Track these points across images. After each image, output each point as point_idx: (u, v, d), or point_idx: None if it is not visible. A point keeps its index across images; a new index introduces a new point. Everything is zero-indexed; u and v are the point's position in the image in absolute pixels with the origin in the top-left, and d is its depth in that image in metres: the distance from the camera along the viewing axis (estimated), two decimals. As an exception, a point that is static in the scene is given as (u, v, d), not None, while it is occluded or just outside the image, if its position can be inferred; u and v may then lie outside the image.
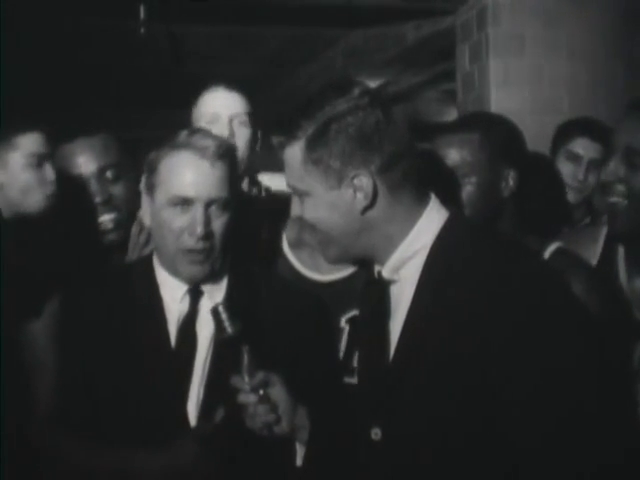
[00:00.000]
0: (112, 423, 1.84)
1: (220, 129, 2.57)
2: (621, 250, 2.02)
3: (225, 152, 1.88)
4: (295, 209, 1.68)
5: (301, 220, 1.70)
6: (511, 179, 2.08)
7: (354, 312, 2.07)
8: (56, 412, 1.92)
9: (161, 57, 6.17)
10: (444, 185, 1.71)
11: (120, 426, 1.83)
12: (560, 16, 4.36)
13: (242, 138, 2.60)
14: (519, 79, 4.33)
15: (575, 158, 3.10)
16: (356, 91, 1.60)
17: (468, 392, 1.48)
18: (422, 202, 1.62)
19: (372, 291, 1.71)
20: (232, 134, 2.57)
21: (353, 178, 1.56)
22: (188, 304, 1.91)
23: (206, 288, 1.92)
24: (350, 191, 1.57)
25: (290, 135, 1.61)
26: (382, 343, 1.62)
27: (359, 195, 1.57)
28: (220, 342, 1.78)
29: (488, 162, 2.06)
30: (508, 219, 2.11)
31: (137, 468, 1.80)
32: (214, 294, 1.91)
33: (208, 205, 1.84)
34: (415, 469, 1.55)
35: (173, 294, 1.91)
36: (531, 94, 4.31)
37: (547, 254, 2.05)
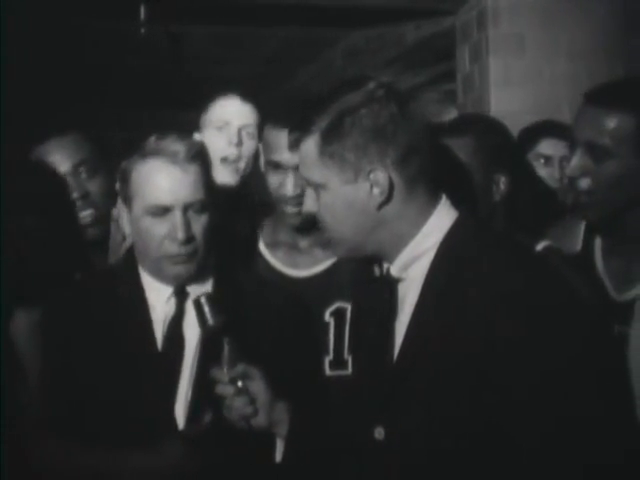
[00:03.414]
0: (100, 425, 1.84)
1: (229, 137, 2.64)
2: (598, 239, 2.04)
3: (196, 154, 1.87)
4: (307, 205, 1.67)
5: (309, 216, 1.69)
6: (502, 184, 2.09)
7: (337, 304, 2.09)
8: (44, 414, 1.91)
9: (161, 57, 6.17)
10: (454, 184, 1.70)
11: (108, 428, 1.83)
12: (560, 16, 4.36)
13: (249, 149, 2.64)
14: (519, 79, 4.33)
15: (546, 160, 3.12)
16: (371, 85, 1.59)
17: (473, 392, 1.48)
18: (434, 201, 1.62)
19: (378, 289, 1.70)
20: (240, 143, 2.63)
21: (369, 173, 1.56)
22: (174, 305, 1.91)
23: (191, 289, 1.91)
24: (367, 185, 1.57)
25: (304, 130, 1.60)
26: (387, 341, 1.62)
27: (375, 190, 1.56)
28: (201, 333, 1.78)
29: (480, 167, 2.06)
30: (499, 223, 2.11)
31: (125, 469, 1.80)
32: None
33: (186, 209, 1.84)
34: (418, 469, 1.55)
35: (158, 296, 1.91)
36: (531, 94, 4.31)
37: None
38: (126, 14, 4.60)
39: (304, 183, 1.71)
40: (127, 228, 1.94)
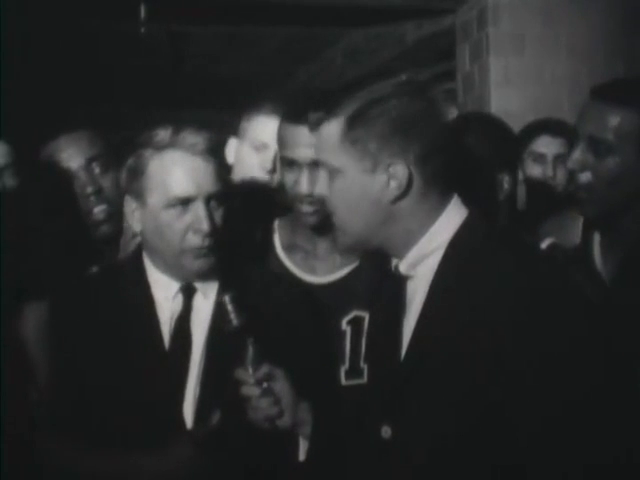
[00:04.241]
0: (107, 426, 1.83)
1: (264, 159, 2.60)
2: (597, 235, 2.03)
3: (214, 146, 1.86)
4: (320, 188, 1.65)
5: (322, 202, 1.67)
6: (506, 183, 2.08)
7: (355, 313, 2.06)
8: (51, 415, 1.91)
9: (161, 57, 6.17)
10: (467, 183, 1.70)
11: (116, 428, 1.82)
12: (560, 16, 4.36)
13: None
14: (519, 79, 4.33)
15: (540, 157, 3.13)
16: (403, 77, 1.58)
17: (480, 390, 1.48)
18: (446, 199, 1.61)
19: (387, 286, 1.69)
20: (274, 171, 2.57)
21: (389, 165, 1.54)
22: (181, 302, 1.89)
23: (199, 285, 1.89)
24: (384, 177, 1.55)
25: (329, 112, 1.58)
26: (395, 339, 1.62)
27: (393, 183, 1.55)
28: (225, 334, 1.75)
29: (483, 168, 2.05)
30: (504, 222, 2.10)
31: (133, 470, 1.79)
32: (207, 291, 1.89)
33: (208, 201, 1.82)
34: (424, 467, 1.55)
35: (165, 293, 1.89)
36: (531, 94, 4.31)
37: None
38: (126, 13, 4.60)
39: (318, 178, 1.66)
40: (136, 226, 1.90)
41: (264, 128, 2.62)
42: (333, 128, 1.57)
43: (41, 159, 2.33)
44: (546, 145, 3.14)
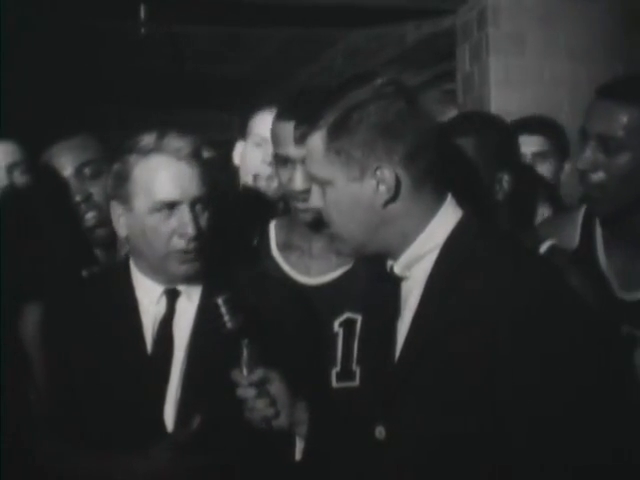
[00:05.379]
0: (90, 428, 1.84)
1: (264, 153, 2.62)
2: (599, 231, 2.02)
3: (198, 151, 1.87)
4: (314, 200, 1.66)
5: (317, 212, 1.68)
6: (505, 183, 2.07)
7: (347, 315, 2.05)
8: (45, 415, 1.92)
9: (161, 57, 6.17)
10: (459, 184, 1.70)
11: (98, 431, 1.83)
12: (560, 16, 4.36)
13: None
14: (519, 79, 4.34)
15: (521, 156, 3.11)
16: (379, 80, 1.58)
17: (474, 391, 1.48)
18: (439, 199, 1.61)
19: (382, 287, 1.70)
20: (272, 162, 2.59)
21: (376, 170, 1.55)
22: (165, 306, 1.89)
23: (183, 288, 1.90)
24: (373, 183, 1.56)
25: (311, 125, 1.59)
26: (389, 340, 1.62)
27: (382, 188, 1.55)
28: (220, 336, 1.75)
29: (483, 166, 2.05)
30: (503, 222, 2.09)
31: (113, 473, 1.80)
32: (191, 294, 1.90)
33: (193, 205, 1.83)
34: (419, 468, 1.55)
35: (150, 296, 1.89)
36: (531, 94, 4.31)
37: (541, 251, 2.04)
38: (126, 14, 4.60)
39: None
40: (122, 231, 1.91)
41: (264, 124, 2.62)
42: (317, 141, 1.58)
43: (39, 164, 2.36)
44: (525, 144, 3.12)
